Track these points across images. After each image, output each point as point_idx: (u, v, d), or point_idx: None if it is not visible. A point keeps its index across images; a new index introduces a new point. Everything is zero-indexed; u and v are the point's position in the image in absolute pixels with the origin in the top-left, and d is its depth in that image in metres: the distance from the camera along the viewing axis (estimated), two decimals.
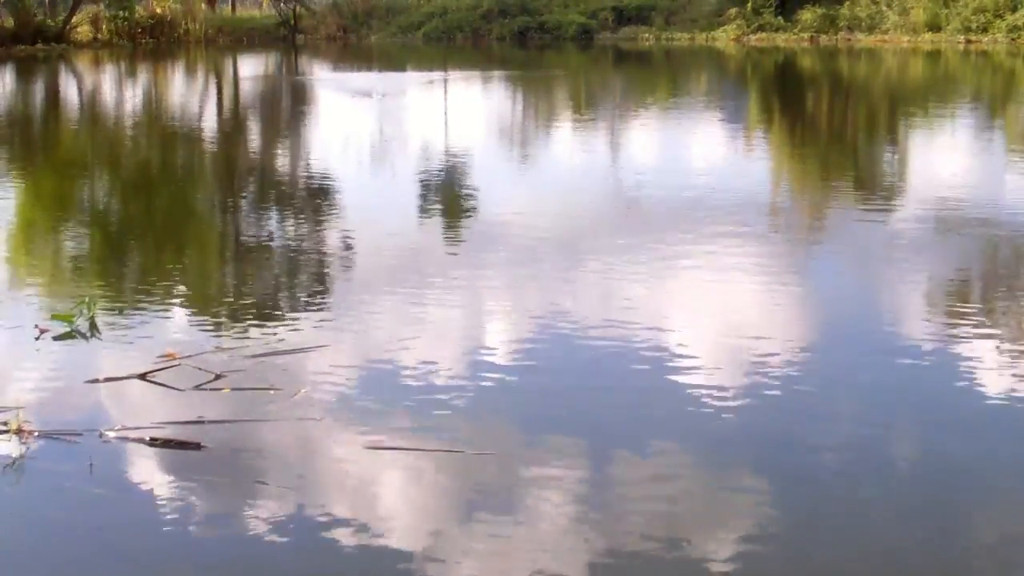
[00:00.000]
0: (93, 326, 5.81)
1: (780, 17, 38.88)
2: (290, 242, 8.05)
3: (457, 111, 18.66)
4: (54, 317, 5.85)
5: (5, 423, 4.40)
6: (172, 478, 3.99)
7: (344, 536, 3.54)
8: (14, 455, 4.17)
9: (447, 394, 4.73)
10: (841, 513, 3.68)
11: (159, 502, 3.79)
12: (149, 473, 4.03)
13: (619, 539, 3.50)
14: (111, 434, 4.33)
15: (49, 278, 7.19)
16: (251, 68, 31.39)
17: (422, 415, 4.49)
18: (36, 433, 4.35)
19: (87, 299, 5.99)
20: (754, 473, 3.97)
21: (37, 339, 5.61)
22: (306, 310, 6.11)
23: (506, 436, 4.31)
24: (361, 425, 4.39)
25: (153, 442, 4.27)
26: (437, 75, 27.08)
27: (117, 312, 6.12)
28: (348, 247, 7.82)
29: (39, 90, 25.45)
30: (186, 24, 43.81)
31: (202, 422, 4.45)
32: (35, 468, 4.07)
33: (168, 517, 3.68)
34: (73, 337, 5.66)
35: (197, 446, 4.22)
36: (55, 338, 5.63)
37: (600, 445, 4.20)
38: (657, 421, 4.47)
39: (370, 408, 4.58)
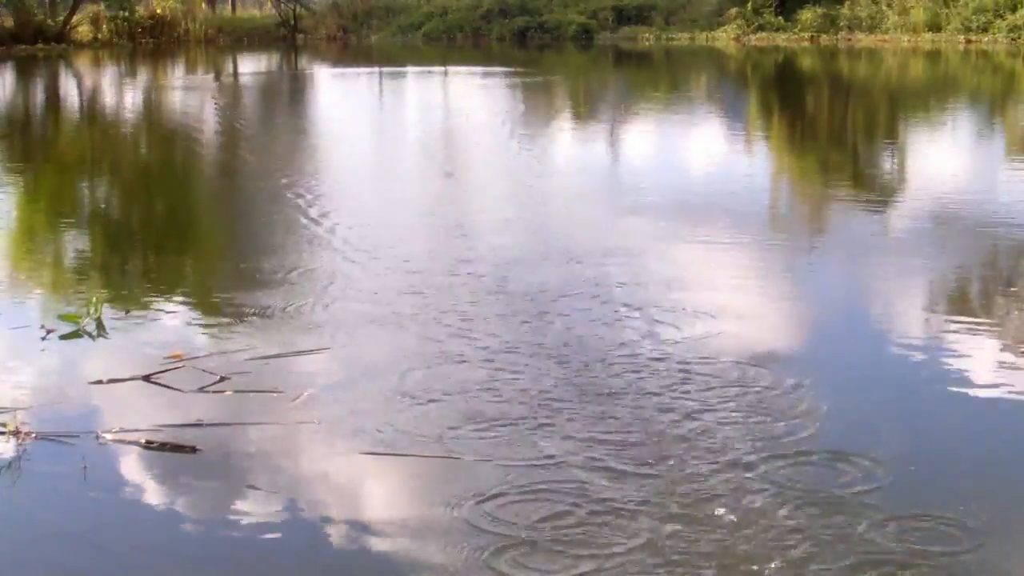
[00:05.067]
0: (100, 326, 5.80)
1: (780, 17, 38.89)
2: (299, 243, 7.97)
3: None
4: (61, 317, 5.84)
5: (3, 424, 4.39)
6: (165, 482, 3.97)
7: (336, 541, 3.53)
8: (10, 456, 4.17)
9: (447, 399, 4.71)
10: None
11: (151, 505, 3.78)
12: (143, 476, 4.02)
13: (616, 544, 3.49)
14: (108, 436, 4.32)
15: (56, 278, 7.18)
16: (251, 68, 31.40)
17: (421, 420, 4.47)
18: (34, 434, 4.34)
19: (94, 299, 5.98)
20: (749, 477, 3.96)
21: (43, 339, 5.61)
22: (313, 312, 6.07)
23: (504, 442, 4.28)
24: (359, 429, 4.37)
25: (149, 445, 4.26)
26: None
27: (124, 313, 6.10)
28: (357, 250, 7.78)
29: (40, 90, 25.46)
30: (186, 24, 43.82)
31: (200, 425, 4.44)
32: (30, 470, 4.06)
33: (158, 521, 3.67)
34: (80, 337, 5.65)
35: (192, 449, 4.21)
36: (61, 338, 5.62)
37: (599, 450, 4.18)
38: (658, 426, 4.45)
39: (369, 412, 4.56)
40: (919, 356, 5.29)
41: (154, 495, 3.87)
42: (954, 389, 4.85)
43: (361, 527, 3.61)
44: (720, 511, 3.61)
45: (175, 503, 3.80)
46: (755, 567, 3.27)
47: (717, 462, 3.97)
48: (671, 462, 3.98)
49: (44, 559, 3.49)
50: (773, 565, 3.27)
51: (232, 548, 3.52)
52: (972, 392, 4.82)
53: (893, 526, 3.50)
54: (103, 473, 4.04)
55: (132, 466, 4.10)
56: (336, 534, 3.57)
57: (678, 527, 3.51)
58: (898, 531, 3.47)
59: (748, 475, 3.86)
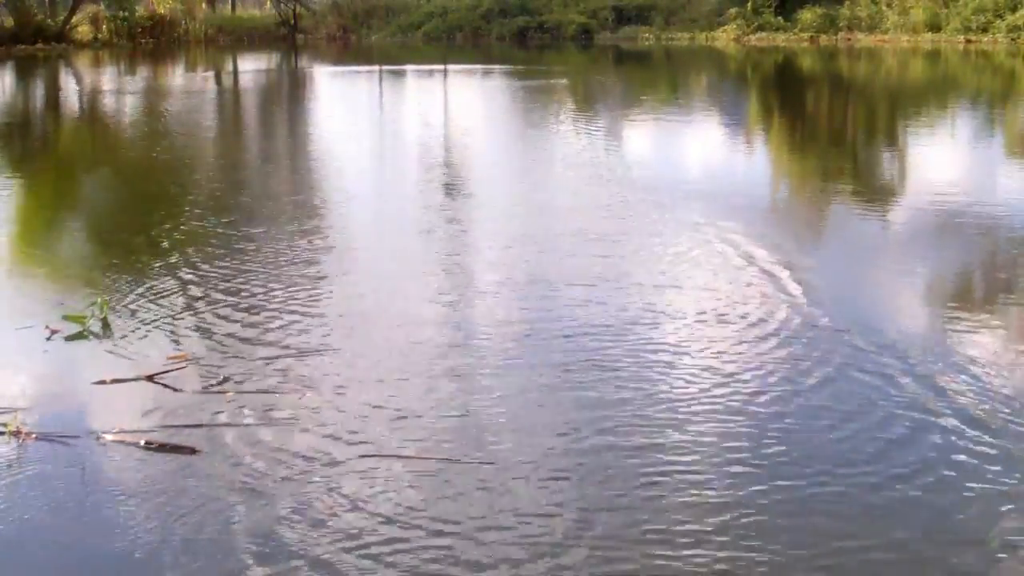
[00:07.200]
0: (106, 327, 5.79)
1: (780, 17, 38.95)
2: (305, 244, 7.94)
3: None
4: (66, 318, 5.84)
5: (3, 424, 4.40)
6: (165, 482, 3.97)
7: (336, 542, 3.53)
8: (10, 456, 4.17)
9: (449, 401, 4.71)
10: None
11: (150, 506, 3.78)
12: (142, 477, 4.01)
13: (614, 548, 3.50)
14: (108, 437, 4.33)
15: (61, 278, 7.17)
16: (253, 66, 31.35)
17: (423, 422, 4.47)
18: (34, 435, 4.34)
19: (99, 300, 5.98)
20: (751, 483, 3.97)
21: (48, 340, 5.61)
22: (318, 313, 6.06)
23: (505, 445, 4.28)
24: (360, 431, 4.37)
25: (149, 445, 4.26)
26: None
27: (130, 313, 6.09)
28: (363, 251, 7.77)
29: (41, 90, 25.46)
30: (186, 24, 43.89)
31: (200, 426, 4.44)
32: (29, 470, 4.06)
33: (157, 521, 3.66)
34: (84, 338, 5.64)
35: (192, 450, 4.21)
36: (66, 339, 5.62)
37: (600, 455, 4.19)
38: (661, 429, 4.46)
39: (372, 414, 4.55)
40: None
41: (153, 495, 3.86)
42: None
43: (361, 528, 3.61)
44: None
45: (174, 504, 3.79)
46: None
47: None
48: None
49: (42, 559, 3.49)
50: None
51: (231, 548, 3.52)
52: None
53: None
54: (102, 473, 4.03)
55: (131, 466, 4.09)
56: (336, 535, 3.57)
57: None
58: None
59: None
